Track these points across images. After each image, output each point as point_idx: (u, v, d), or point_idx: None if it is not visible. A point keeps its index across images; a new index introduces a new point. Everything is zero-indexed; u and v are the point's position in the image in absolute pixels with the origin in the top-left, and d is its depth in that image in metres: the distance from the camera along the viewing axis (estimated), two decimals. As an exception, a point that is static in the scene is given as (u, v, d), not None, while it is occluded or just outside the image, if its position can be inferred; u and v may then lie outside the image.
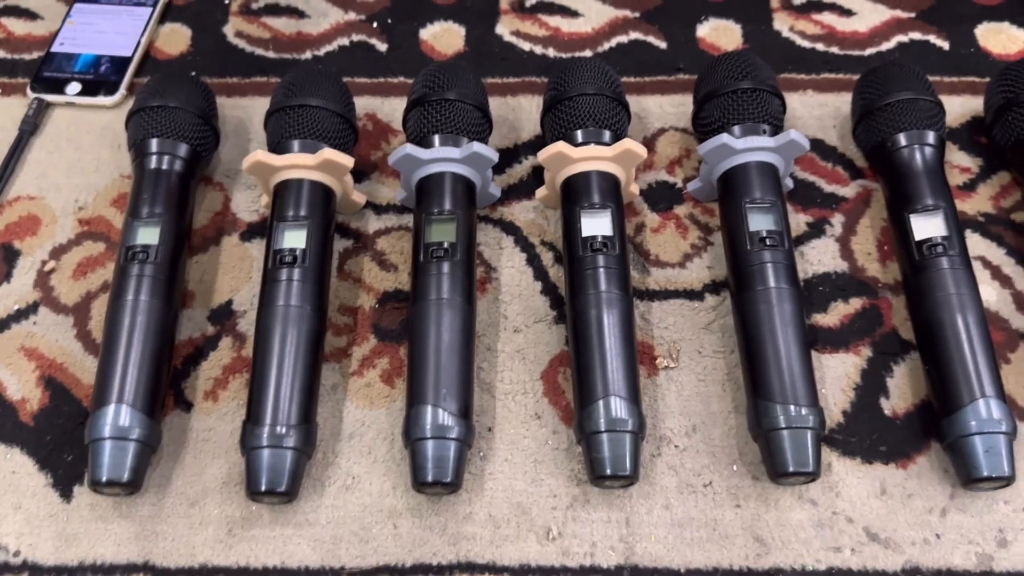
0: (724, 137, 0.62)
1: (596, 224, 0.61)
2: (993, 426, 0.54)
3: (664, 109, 0.73)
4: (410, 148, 0.62)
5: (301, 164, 0.62)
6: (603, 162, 0.63)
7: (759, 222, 0.60)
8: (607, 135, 0.64)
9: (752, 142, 0.62)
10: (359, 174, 0.70)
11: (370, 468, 0.58)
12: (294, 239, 0.61)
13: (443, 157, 0.62)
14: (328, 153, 0.62)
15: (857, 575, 0.53)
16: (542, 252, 0.66)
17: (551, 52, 0.78)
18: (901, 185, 0.63)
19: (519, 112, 0.74)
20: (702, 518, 0.55)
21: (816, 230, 0.67)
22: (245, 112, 0.74)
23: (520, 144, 0.72)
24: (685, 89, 0.74)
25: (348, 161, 0.63)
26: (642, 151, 0.62)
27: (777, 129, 0.64)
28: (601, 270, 0.59)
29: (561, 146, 0.62)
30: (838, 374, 0.60)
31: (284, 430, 0.54)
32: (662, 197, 0.69)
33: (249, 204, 0.69)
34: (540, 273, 0.65)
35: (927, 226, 0.61)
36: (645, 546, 0.55)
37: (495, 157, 0.63)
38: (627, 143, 0.62)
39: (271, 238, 0.61)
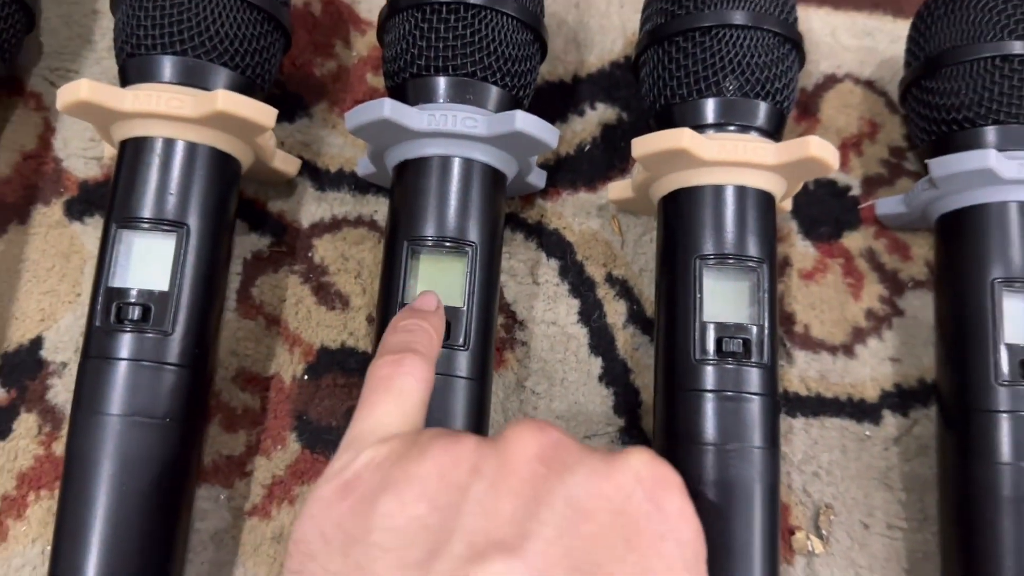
0: (989, 158, 0.33)
1: (731, 299, 0.33)
2: None
3: (839, 39, 0.42)
4: (391, 108, 0.31)
5: (171, 114, 0.31)
6: (757, 173, 0.33)
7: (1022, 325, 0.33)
8: (762, 112, 0.34)
9: (1035, 167, 0.33)
10: (290, 101, 0.39)
11: None
12: (149, 271, 0.31)
13: (455, 132, 0.32)
14: (225, 100, 0.31)
15: None
16: (608, 298, 0.38)
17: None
18: None
19: (586, 12, 0.42)
20: None
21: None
22: (95, -47, 0.41)
23: (583, 77, 0.41)
24: (878, 6, 0.42)
25: (267, 117, 0.32)
26: (833, 160, 0.33)
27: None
28: (730, 399, 0.31)
29: (685, 140, 0.32)
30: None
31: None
32: (823, 213, 0.40)
33: (86, 144, 0.38)
34: (602, 340, 0.37)
35: None
36: None
37: (554, 142, 0.33)
38: (813, 146, 0.32)
39: (105, 259, 0.31)
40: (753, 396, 0.31)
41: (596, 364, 0.37)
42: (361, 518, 0.22)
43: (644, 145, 0.33)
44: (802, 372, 0.37)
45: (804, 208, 0.39)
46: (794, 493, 0.36)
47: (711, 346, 0.32)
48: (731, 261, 0.32)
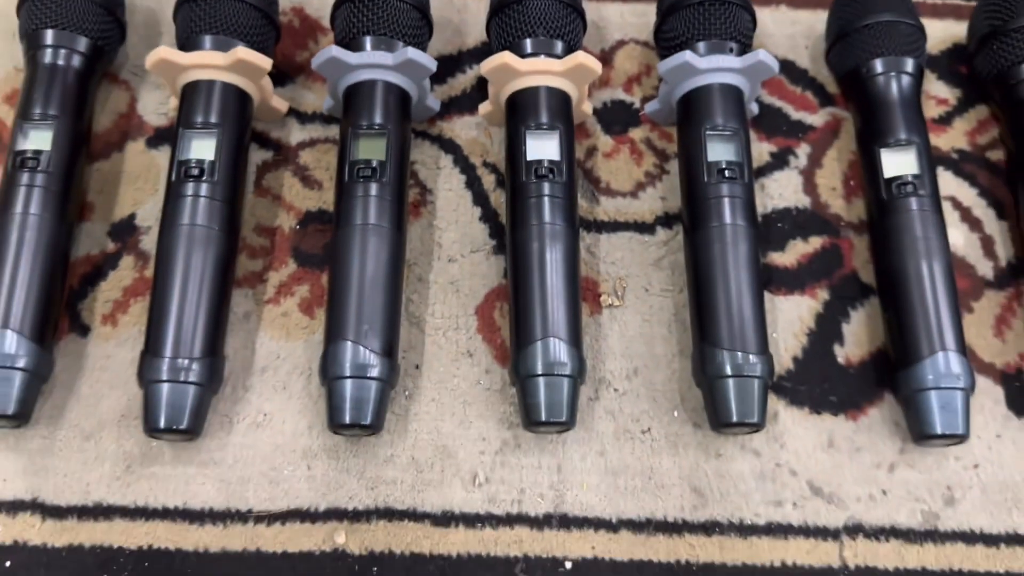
0: (686, 55, 0.56)
1: (542, 147, 0.55)
2: (951, 381, 0.51)
3: (625, 19, 0.67)
4: (336, 51, 0.55)
5: (211, 63, 0.55)
6: (553, 77, 0.57)
7: (719, 151, 0.55)
8: (559, 46, 0.58)
9: (716, 62, 0.57)
10: (282, 77, 0.63)
11: (284, 405, 0.53)
12: (202, 149, 0.54)
13: (373, 63, 0.56)
14: (242, 52, 0.54)
15: (797, 530, 0.51)
16: (483, 174, 0.61)
17: (504, -51, 0.70)
18: (873, 116, 0.58)
19: (465, 14, 0.67)
20: (638, 466, 0.52)
21: (779, 161, 0.62)
22: (158, 2, 0.66)
23: (464, 51, 0.65)
24: (649, -2, 0.67)
25: (265, 62, 0.56)
26: (597, 66, 0.56)
27: (745, 48, 0.59)
28: (546, 199, 0.53)
29: (506, 57, 0.55)
30: (791, 318, 0.57)
31: (186, 363, 0.49)
32: (617, 118, 0.63)
33: (157, 106, 0.62)
34: (480, 197, 0.60)
35: (898, 162, 0.56)
36: (576, 494, 0.51)
37: (433, 66, 0.56)
38: (580, 56, 0.56)
39: (176, 147, 0.54)
40: (557, 198, 0.54)
41: (477, 211, 0.59)
42: None
43: (486, 64, 0.56)
44: (605, 208, 0.60)
45: (605, 116, 0.63)
46: (601, 274, 0.57)
47: (532, 172, 0.54)
48: (544, 126, 0.55)
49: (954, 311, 0.52)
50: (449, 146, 0.61)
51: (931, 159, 0.57)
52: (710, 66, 0.56)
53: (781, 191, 0.60)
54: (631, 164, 0.61)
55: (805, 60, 0.65)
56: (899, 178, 0.55)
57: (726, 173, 0.54)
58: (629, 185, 0.60)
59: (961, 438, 0.51)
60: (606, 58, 0.65)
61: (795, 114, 0.63)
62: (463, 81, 0.64)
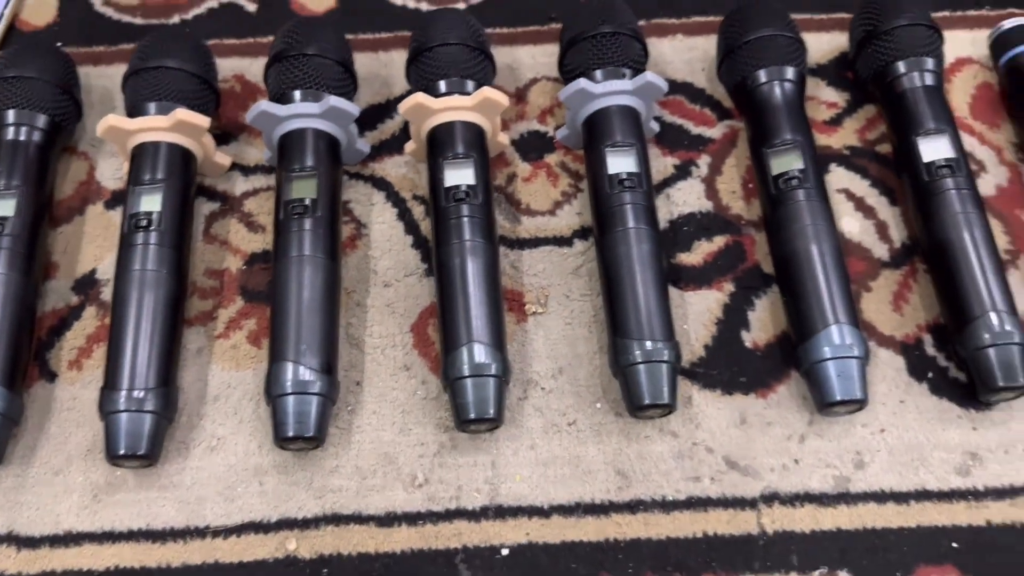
0: (582, 82, 0.62)
1: (459, 174, 0.61)
2: (845, 351, 0.55)
3: (536, 59, 0.73)
4: (265, 104, 0.61)
5: (155, 126, 0.61)
6: (464, 112, 0.62)
7: (618, 165, 0.61)
8: (470, 85, 0.64)
9: (609, 86, 0.62)
10: (227, 136, 0.69)
11: (236, 429, 0.57)
12: (149, 202, 0.60)
13: (301, 113, 0.62)
14: (181, 114, 0.61)
15: (716, 503, 0.54)
16: (413, 206, 0.66)
17: (424, 6, 0.77)
18: (761, 122, 0.64)
19: (391, 68, 0.73)
20: (566, 455, 0.56)
21: (682, 172, 0.67)
22: (112, 81, 0.72)
23: (392, 99, 0.71)
24: (557, 39, 0.73)
25: (203, 121, 0.62)
26: (503, 99, 0.62)
27: (639, 73, 0.64)
28: (464, 219, 0.59)
29: (420, 97, 0.61)
30: (700, 310, 0.61)
31: (142, 394, 0.54)
32: (533, 147, 0.69)
33: (113, 172, 0.68)
34: (411, 227, 0.65)
35: (783, 161, 0.61)
36: (510, 486, 0.55)
37: (355, 112, 0.62)
38: (486, 91, 0.61)
39: (127, 203, 0.60)
40: (475, 217, 0.59)
41: (409, 240, 0.65)
42: None
43: (403, 105, 0.62)
44: (526, 226, 0.65)
45: (522, 145, 0.68)
46: (525, 286, 0.62)
47: (451, 197, 0.60)
48: (459, 156, 0.61)
49: (844, 286, 0.57)
50: (381, 184, 0.67)
51: (814, 154, 0.62)
52: (604, 90, 0.62)
53: (685, 198, 0.66)
54: (548, 186, 0.67)
55: (702, 81, 0.71)
56: (785, 174, 0.61)
57: (626, 183, 0.60)
58: (547, 205, 0.66)
59: (860, 403, 0.55)
60: (521, 95, 0.71)
61: (695, 129, 0.69)
62: (391, 126, 0.70)
